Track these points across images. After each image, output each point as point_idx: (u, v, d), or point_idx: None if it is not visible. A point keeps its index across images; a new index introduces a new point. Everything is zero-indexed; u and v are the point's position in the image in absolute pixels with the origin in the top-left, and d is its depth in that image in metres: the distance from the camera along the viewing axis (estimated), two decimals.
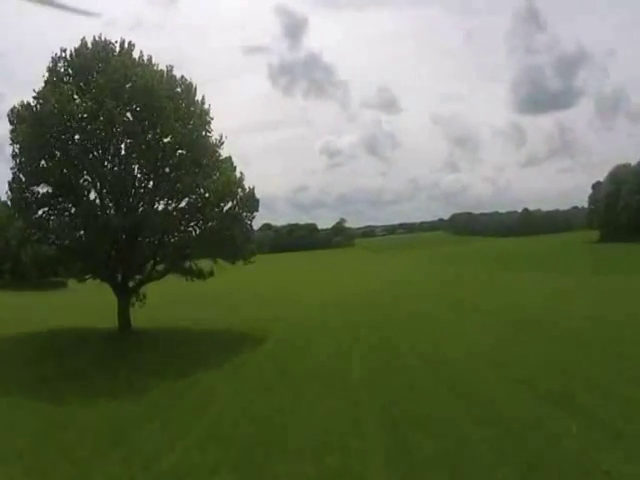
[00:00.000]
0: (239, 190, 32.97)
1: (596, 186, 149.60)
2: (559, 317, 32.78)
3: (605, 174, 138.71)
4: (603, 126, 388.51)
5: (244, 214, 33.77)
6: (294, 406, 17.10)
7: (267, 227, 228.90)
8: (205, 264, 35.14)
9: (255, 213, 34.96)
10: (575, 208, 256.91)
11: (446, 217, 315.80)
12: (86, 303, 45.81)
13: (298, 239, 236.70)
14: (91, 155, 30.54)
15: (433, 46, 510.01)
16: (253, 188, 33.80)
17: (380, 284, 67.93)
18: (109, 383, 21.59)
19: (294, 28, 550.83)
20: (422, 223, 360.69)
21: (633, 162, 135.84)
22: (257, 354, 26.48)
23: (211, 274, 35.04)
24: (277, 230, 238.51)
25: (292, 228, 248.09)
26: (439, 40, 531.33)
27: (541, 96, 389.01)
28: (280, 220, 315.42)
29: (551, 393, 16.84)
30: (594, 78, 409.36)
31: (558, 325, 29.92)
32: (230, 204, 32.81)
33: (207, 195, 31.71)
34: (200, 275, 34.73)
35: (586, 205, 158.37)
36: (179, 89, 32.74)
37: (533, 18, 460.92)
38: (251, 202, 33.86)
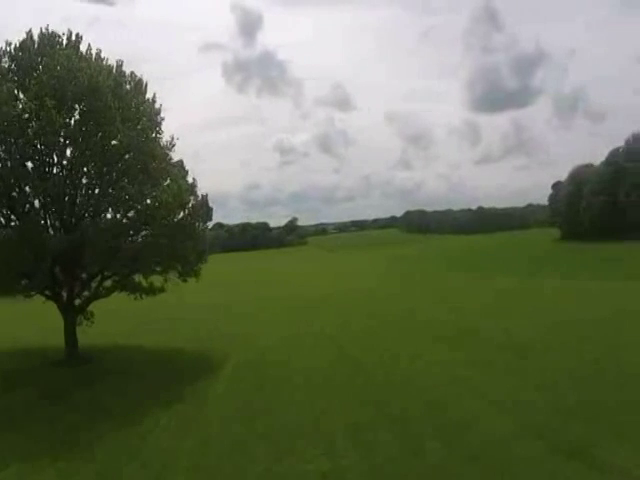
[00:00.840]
0: (191, 198, 30.82)
1: (556, 186, 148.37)
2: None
3: (563, 172, 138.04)
4: (561, 125, 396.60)
5: (197, 224, 31.67)
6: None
7: (219, 226, 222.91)
8: (155, 279, 32.55)
9: (208, 223, 33.71)
10: (530, 206, 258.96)
11: (399, 214, 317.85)
12: (36, 313, 40.85)
13: (251, 238, 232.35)
14: (32, 162, 27.69)
15: (390, 44, 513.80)
16: (206, 195, 31.80)
17: (332, 290, 65.83)
18: (45, 433, 18.77)
19: (250, 25, 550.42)
20: (375, 220, 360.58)
21: (592, 161, 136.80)
22: (218, 383, 24.96)
23: (162, 290, 32.38)
24: (229, 229, 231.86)
25: (245, 227, 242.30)
26: (396, 38, 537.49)
27: (497, 95, 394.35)
28: (233, 218, 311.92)
29: None
30: (553, 77, 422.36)
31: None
32: (182, 214, 30.43)
33: (156, 204, 28.85)
34: (150, 291, 32.20)
35: (542, 203, 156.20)
36: (128, 86, 30.02)
37: (491, 18, 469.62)
38: (204, 211, 31.87)
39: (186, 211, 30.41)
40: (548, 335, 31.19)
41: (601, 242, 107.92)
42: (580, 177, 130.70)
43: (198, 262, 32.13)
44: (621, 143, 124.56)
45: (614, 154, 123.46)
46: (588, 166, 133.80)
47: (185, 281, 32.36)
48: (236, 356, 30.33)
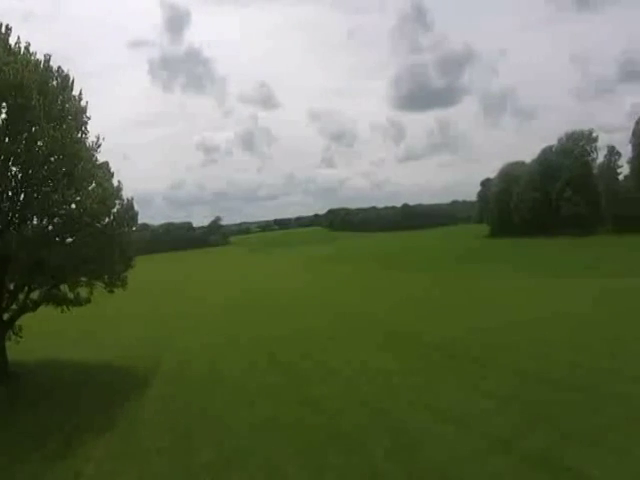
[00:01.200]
0: (117, 202, 29.32)
1: (486, 183, 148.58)
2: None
3: (489, 169, 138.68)
4: (488, 123, 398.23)
5: (123, 230, 29.96)
6: None
7: (144, 227, 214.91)
8: (82, 290, 30.87)
9: (134, 228, 32.01)
10: (456, 202, 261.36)
11: (322, 212, 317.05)
12: None
13: (174, 239, 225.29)
14: None
15: (316, 42, 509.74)
16: (132, 199, 30.13)
17: (252, 291, 65.16)
18: None
19: (177, 22, 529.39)
20: (298, 219, 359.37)
21: (521, 159, 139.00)
22: (149, 402, 23.41)
23: (88, 301, 30.99)
24: (154, 230, 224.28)
25: (168, 227, 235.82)
26: (323, 37, 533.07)
27: (423, 93, 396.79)
28: (157, 218, 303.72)
29: None
30: (481, 77, 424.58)
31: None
32: (107, 220, 28.79)
33: (81, 211, 26.95)
34: (76, 303, 30.86)
35: (468, 199, 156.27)
36: (55, 82, 27.79)
37: (420, 17, 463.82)
38: (130, 216, 30.30)
39: (111, 217, 28.85)
40: (482, 336, 30.59)
41: (531, 237, 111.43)
42: (511, 174, 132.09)
43: (125, 270, 30.61)
44: (552, 141, 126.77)
45: (546, 152, 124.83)
46: (519, 163, 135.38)
47: (112, 292, 30.65)
48: (165, 367, 29.32)
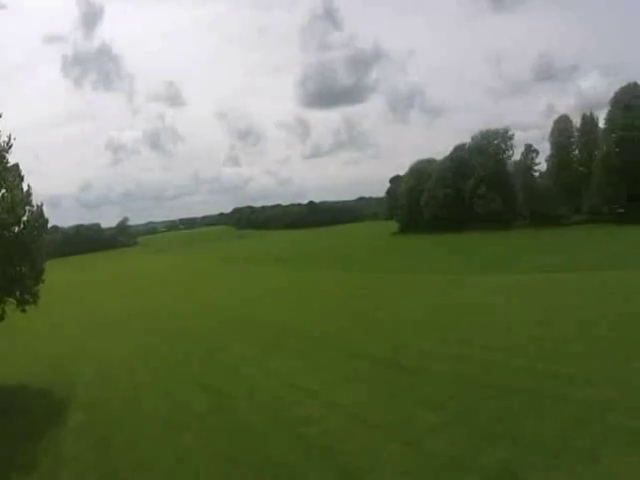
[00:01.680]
0: (27, 209, 26.42)
1: (395, 179, 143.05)
2: None
3: (395, 166, 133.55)
4: (395, 121, 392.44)
5: (34, 239, 26.78)
6: None
7: (54, 229, 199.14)
8: None
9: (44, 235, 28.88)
10: (362, 199, 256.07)
11: (228, 211, 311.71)
12: None
13: (84, 241, 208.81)
14: None
15: (226, 40, 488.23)
16: (41, 205, 27.59)
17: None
18: None
19: (91, 17, 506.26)
20: (204, 218, 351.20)
21: (429, 156, 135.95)
22: (70, 433, 20.07)
23: (1, 318, 26.60)
24: (64, 232, 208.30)
25: (78, 229, 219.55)
26: (233, 34, 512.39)
27: (330, 91, 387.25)
28: (66, 218, 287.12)
29: None
30: (390, 75, 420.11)
31: None
32: (17, 229, 25.88)
33: None
34: None
35: (374, 196, 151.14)
36: None
37: (330, 16, 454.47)
38: (40, 223, 27.46)
39: (21, 225, 26.17)
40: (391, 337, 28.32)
41: (441, 234, 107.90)
42: (422, 171, 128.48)
43: (36, 285, 27.15)
44: (462, 139, 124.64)
45: (459, 149, 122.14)
46: (430, 161, 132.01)
47: (24, 311, 26.92)
48: (81, 392, 25.55)
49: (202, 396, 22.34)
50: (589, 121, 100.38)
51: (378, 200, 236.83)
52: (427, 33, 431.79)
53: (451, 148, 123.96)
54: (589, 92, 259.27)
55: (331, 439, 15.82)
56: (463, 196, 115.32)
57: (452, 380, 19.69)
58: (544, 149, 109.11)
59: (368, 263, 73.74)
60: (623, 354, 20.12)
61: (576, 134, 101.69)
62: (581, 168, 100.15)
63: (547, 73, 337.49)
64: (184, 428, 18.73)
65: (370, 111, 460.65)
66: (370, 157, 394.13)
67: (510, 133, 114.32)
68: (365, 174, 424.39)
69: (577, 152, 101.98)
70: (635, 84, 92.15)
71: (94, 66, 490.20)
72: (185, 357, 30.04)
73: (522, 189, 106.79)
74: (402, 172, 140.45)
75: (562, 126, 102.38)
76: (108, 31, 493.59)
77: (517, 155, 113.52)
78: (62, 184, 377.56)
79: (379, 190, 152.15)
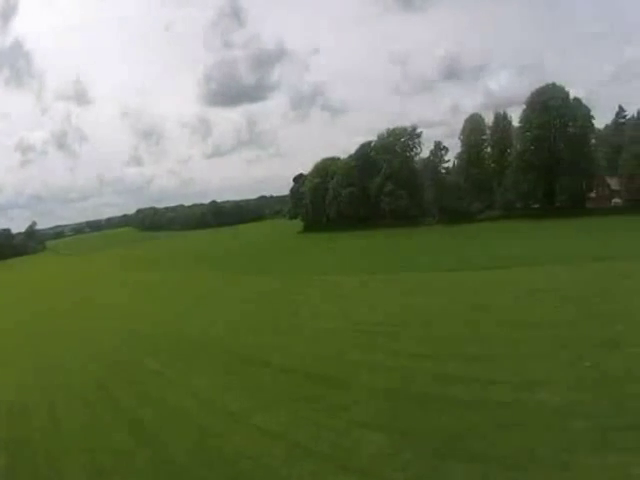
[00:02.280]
0: None
1: (298, 178, 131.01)
2: None
3: (297, 164, 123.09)
4: (296, 119, 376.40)
5: None
6: None
7: None
8: None
9: None
10: (264, 197, 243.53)
11: (132, 212, 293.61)
12: None
13: None
14: None
15: (133, 37, 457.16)
16: None
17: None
18: None
19: (6, 11, 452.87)
20: (109, 219, 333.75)
21: (329, 154, 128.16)
22: None
23: None
24: None
25: None
26: (139, 31, 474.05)
27: (232, 89, 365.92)
28: None
29: None
30: (293, 74, 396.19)
31: None
32: None
33: None
34: None
35: (275, 194, 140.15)
36: None
37: (235, 14, 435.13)
38: None
39: None
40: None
41: (345, 231, 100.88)
42: (326, 169, 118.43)
43: None
44: (365, 137, 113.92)
45: (365, 147, 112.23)
46: (334, 159, 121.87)
47: None
48: None
49: None
50: (502, 119, 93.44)
51: (279, 198, 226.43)
52: (333, 32, 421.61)
53: (355, 146, 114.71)
54: (495, 91, 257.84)
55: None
56: (369, 194, 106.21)
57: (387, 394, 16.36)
58: (451, 146, 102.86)
59: (274, 265, 65.23)
60: None
61: (488, 132, 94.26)
62: (493, 165, 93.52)
63: (454, 72, 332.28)
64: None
65: (272, 110, 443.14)
66: (271, 156, 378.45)
67: (418, 131, 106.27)
68: (266, 173, 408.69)
69: (489, 149, 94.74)
70: (553, 85, 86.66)
71: (6, 63, 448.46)
72: None
73: (431, 186, 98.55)
74: (305, 171, 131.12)
75: (474, 124, 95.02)
76: (21, 26, 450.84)
77: (425, 152, 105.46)
78: None
79: (281, 188, 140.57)
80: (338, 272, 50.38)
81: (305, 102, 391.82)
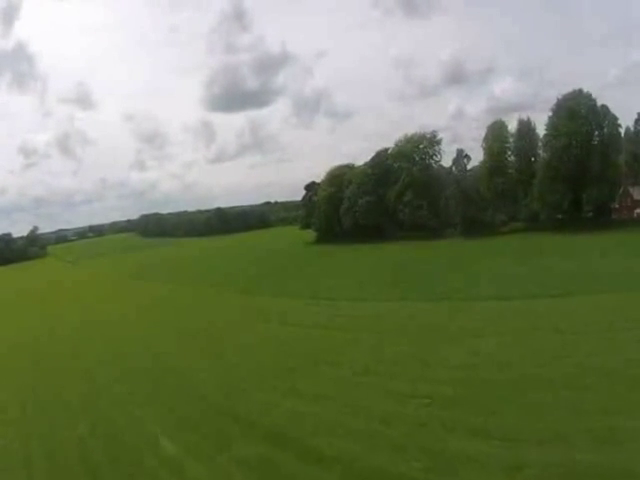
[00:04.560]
0: None
1: (310, 186, 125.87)
2: None
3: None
4: (301, 124, 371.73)
5: None
6: None
7: None
8: None
9: None
10: (268, 203, 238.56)
11: (135, 217, 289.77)
12: None
13: None
14: None
15: (136, 40, 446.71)
16: None
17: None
18: None
19: (8, 13, 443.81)
20: (112, 224, 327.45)
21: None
22: None
23: None
24: None
25: None
26: (142, 34, 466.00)
27: (236, 94, 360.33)
28: None
29: None
30: (297, 78, 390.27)
31: None
32: None
33: None
34: None
35: (280, 200, 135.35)
36: None
37: (239, 18, 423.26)
38: None
39: None
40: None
41: (363, 244, 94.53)
42: (340, 177, 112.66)
43: None
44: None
45: (381, 155, 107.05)
46: (349, 166, 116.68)
47: None
48: None
49: None
50: (526, 126, 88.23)
51: (284, 204, 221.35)
52: (337, 37, 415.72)
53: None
54: (500, 96, 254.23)
55: None
56: (386, 204, 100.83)
57: None
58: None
59: (297, 284, 59.11)
60: None
61: (511, 139, 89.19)
62: (516, 174, 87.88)
63: (458, 77, 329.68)
64: None
65: (276, 115, 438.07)
66: (276, 161, 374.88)
67: (438, 137, 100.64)
68: (271, 178, 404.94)
69: (513, 158, 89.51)
70: (580, 91, 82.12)
71: (9, 65, 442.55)
72: None
73: (452, 196, 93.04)
74: (311, 176, 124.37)
75: (496, 131, 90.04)
76: (25, 28, 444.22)
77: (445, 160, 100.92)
78: None
79: (285, 194, 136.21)
80: (373, 296, 45.26)
81: (309, 107, 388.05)
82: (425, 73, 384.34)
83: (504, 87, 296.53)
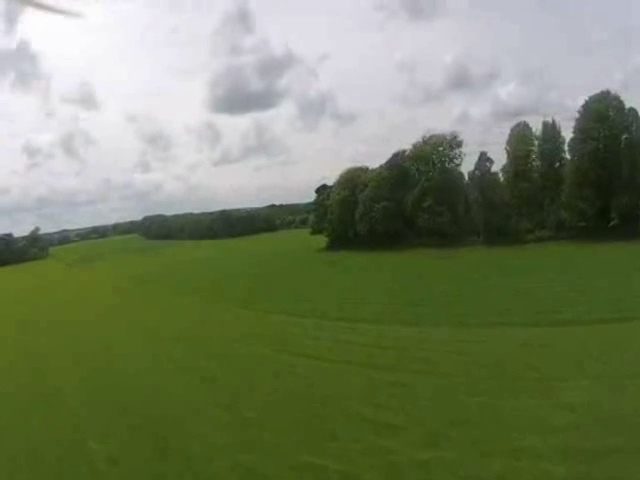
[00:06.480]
0: None
1: (322, 189, 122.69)
2: None
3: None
4: (306, 126, 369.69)
5: None
6: None
7: None
8: None
9: None
10: (274, 206, 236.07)
11: (139, 218, 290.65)
12: None
13: None
14: None
15: (139, 41, 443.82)
16: None
17: None
18: None
19: (13, 11, 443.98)
20: (116, 225, 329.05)
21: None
22: None
23: None
24: None
25: None
26: (145, 35, 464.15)
27: (240, 96, 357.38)
28: None
29: None
30: (301, 81, 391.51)
31: None
32: None
33: None
34: None
35: (284, 203, 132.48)
36: None
37: (242, 19, 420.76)
38: None
39: None
40: None
41: (379, 252, 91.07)
42: (354, 181, 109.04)
43: None
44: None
45: (398, 156, 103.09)
46: (362, 169, 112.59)
47: None
48: None
49: None
50: (551, 128, 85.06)
51: (289, 207, 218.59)
52: (340, 39, 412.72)
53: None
54: (505, 100, 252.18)
55: None
56: (403, 208, 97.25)
57: None
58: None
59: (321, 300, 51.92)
60: None
61: (535, 142, 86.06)
62: (540, 178, 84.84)
63: (462, 80, 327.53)
64: None
65: (281, 117, 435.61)
66: (281, 164, 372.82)
67: (459, 139, 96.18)
68: (275, 181, 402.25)
69: (538, 162, 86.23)
70: (607, 93, 79.17)
71: (13, 64, 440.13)
72: None
73: (474, 202, 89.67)
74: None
75: (521, 133, 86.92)
76: (27, 28, 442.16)
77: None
78: None
79: (290, 197, 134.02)
80: (403, 318, 39.26)
81: (314, 109, 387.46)
82: (429, 76, 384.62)
83: (509, 91, 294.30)
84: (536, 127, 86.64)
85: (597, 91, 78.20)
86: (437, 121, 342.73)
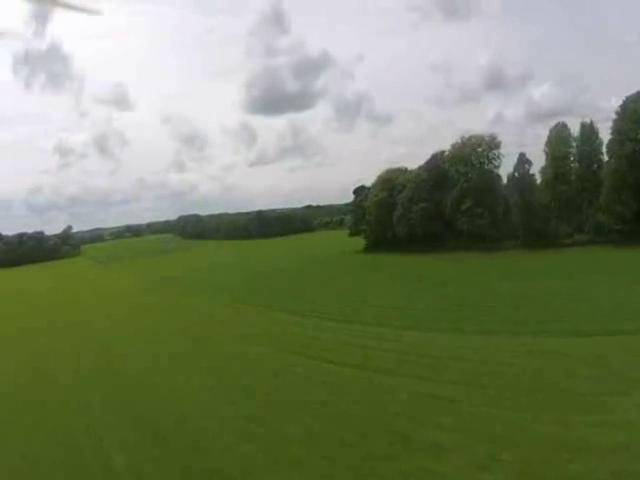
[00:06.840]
0: None
1: (359, 190, 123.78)
2: None
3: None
4: (342, 128, 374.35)
5: None
6: None
7: None
8: None
9: None
10: (310, 207, 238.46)
11: (174, 217, 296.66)
12: None
13: (27, 250, 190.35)
14: None
15: (173, 42, 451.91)
16: None
17: None
18: None
19: (42, 13, 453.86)
20: (150, 224, 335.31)
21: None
22: None
23: None
24: (8, 241, 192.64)
25: (21, 238, 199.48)
26: (179, 36, 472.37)
27: (276, 97, 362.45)
28: (15, 225, 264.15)
29: None
30: (337, 82, 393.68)
31: None
32: None
33: None
34: None
35: (321, 203, 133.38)
36: None
37: (277, 20, 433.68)
38: None
39: None
40: None
41: (419, 254, 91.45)
42: (392, 182, 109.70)
43: None
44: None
45: (437, 158, 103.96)
46: (401, 170, 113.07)
47: None
48: None
49: None
50: (589, 130, 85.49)
51: (326, 208, 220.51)
52: (375, 40, 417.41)
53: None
54: (539, 101, 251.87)
55: None
56: (442, 210, 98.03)
57: None
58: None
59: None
60: None
61: (574, 144, 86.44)
62: (578, 181, 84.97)
63: (496, 82, 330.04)
64: None
65: (317, 118, 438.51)
66: (317, 165, 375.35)
67: (497, 140, 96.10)
68: (312, 182, 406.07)
69: (577, 164, 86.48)
70: None
71: (44, 66, 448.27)
72: None
73: (514, 204, 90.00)
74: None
75: (560, 134, 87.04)
76: (58, 29, 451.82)
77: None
78: (10, 188, 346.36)
79: (327, 198, 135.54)
80: (446, 326, 38.35)
81: (350, 111, 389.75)
82: (463, 77, 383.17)
83: (542, 92, 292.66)
84: (572, 129, 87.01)
85: (632, 92, 78.34)
86: (472, 122, 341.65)
